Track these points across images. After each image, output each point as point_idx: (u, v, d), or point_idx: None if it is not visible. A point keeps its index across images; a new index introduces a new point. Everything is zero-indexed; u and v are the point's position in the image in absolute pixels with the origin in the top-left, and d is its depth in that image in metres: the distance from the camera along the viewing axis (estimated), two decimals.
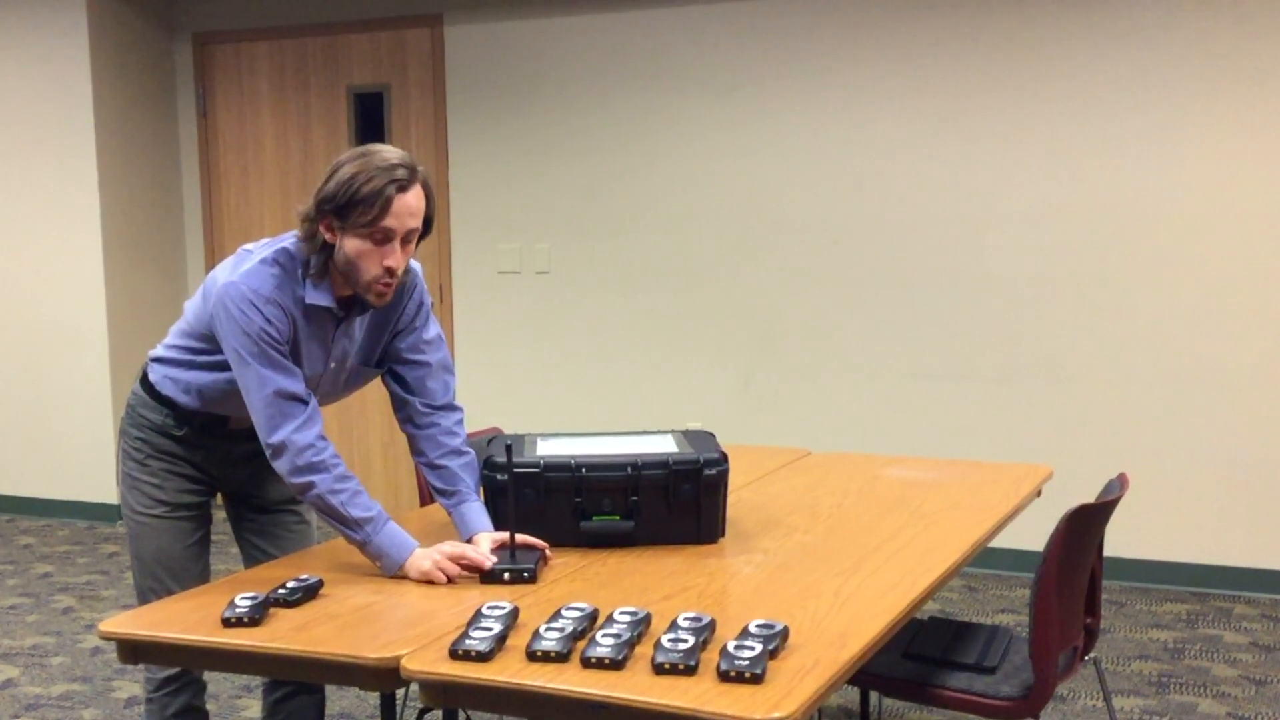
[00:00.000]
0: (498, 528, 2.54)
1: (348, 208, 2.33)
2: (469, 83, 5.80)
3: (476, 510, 2.56)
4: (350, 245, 2.37)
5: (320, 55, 6.10)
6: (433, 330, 2.65)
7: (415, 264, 2.64)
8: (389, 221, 2.34)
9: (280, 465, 2.40)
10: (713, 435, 2.77)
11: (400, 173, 2.34)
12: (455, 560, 2.37)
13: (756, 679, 1.80)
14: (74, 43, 6.00)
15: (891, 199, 5.15)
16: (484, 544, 2.45)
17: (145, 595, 2.66)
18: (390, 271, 2.38)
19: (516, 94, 5.72)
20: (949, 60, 5.01)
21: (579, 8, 5.56)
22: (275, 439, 2.39)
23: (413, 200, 2.36)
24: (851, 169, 5.19)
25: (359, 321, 2.55)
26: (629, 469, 2.56)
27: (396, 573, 2.39)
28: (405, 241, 2.39)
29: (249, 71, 6.26)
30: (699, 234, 5.46)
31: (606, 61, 5.55)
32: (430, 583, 2.35)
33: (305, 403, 2.41)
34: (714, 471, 2.57)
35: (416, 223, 2.39)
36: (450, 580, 2.35)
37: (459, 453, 2.61)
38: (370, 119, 6.02)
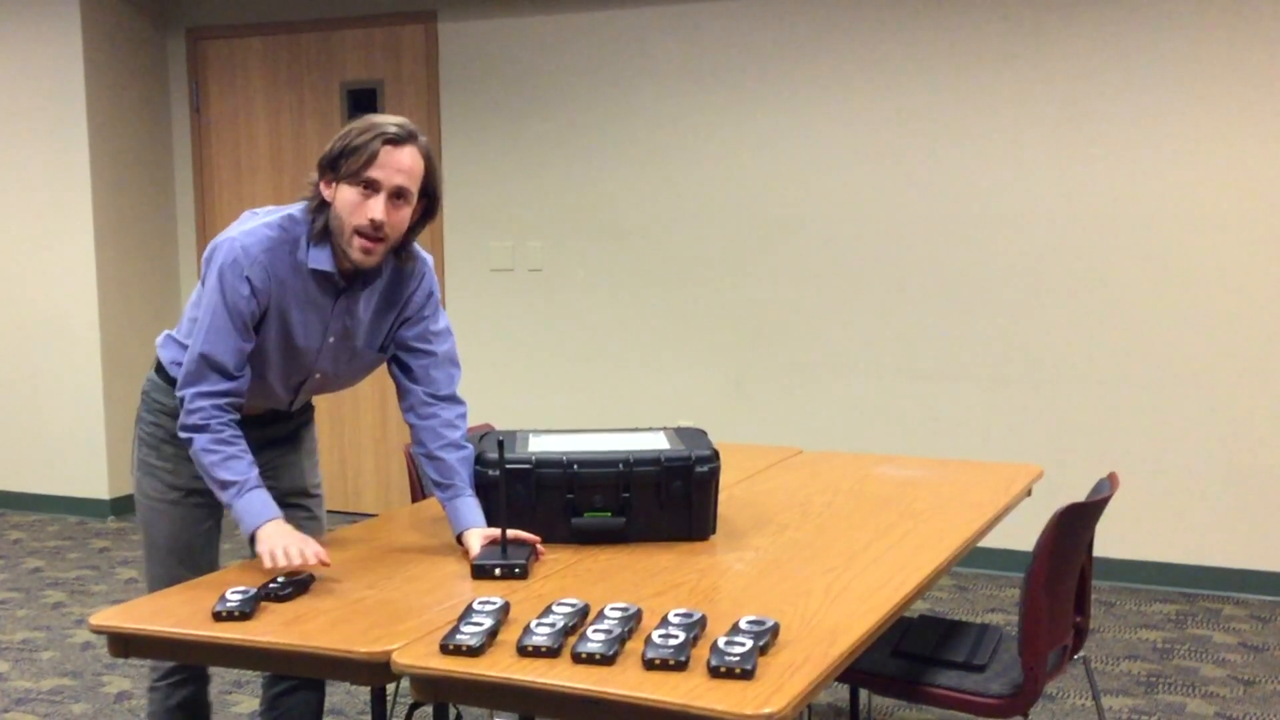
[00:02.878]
0: (490, 523, 2.54)
1: (340, 157, 2.40)
2: (462, 79, 5.80)
3: (470, 506, 2.56)
4: (340, 197, 2.41)
5: (314, 51, 6.09)
6: (441, 322, 2.67)
7: (426, 255, 2.66)
8: (375, 172, 2.38)
9: (179, 418, 2.46)
10: (704, 433, 2.77)
11: (393, 129, 2.41)
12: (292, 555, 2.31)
13: (747, 675, 1.81)
14: (67, 37, 5.99)
15: (884, 200, 5.15)
16: (474, 541, 2.46)
17: (155, 584, 2.66)
18: (375, 225, 2.39)
19: (510, 91, 5.72)
20: (942, 62, 5.02)
21: (572, 5, 5.56)
22: (180, 391, 2.46)
23: (404, 157, 2.40)
24: (844, 170, 5.20)
25: (364, 300, 2.55)
26: (621, 465, 2.56)
27: (249, 537, 2.41)
28: (395, 198, 2.41)
29: (242, 67, 6.25)
30: (692, 232, 5.47)
31: (600, 59, 5.55)
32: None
33: (229, 377, 2.45)
34: (705, 468, 2.57)
35: (406, 181, 2.41)
36: (288, 559, 2.29)
37: (457, 446, 2.61)
38: (364, 115, 6.00)
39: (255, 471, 2.45)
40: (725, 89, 5.36)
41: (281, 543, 2.33)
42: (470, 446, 2.64)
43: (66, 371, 6.19)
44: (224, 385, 2.45)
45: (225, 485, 2.42)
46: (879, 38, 5.10)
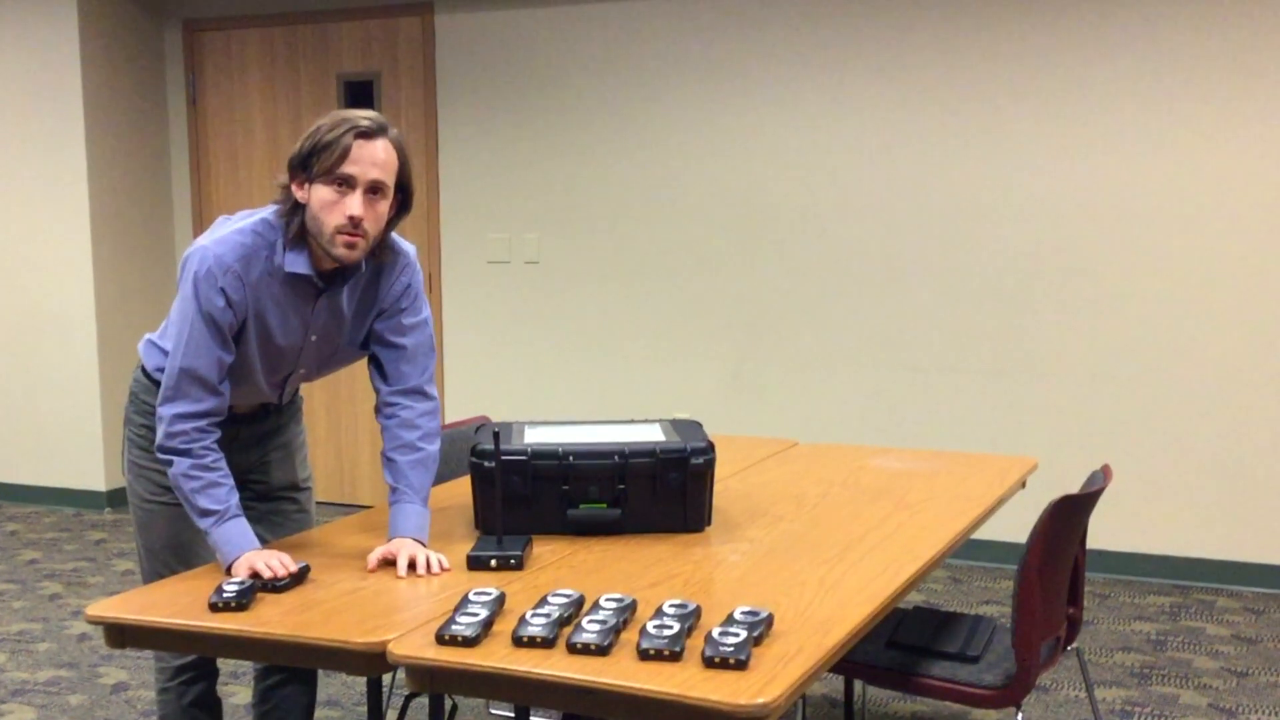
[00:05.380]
0: (485, 515, 2.54)
1: (311, 155, 2.35)
2: (459, 72, 5.80)
3: (406, 513, 2.49)
4: (315, 197, 2.36)
5: (310, 43, 6.09)
6: (420, 314, 2.61)
7: (410, 246, 2.62)
8: (349, 168, 2.33)
9: (157, 435, 2.42)
10: (700, 425, 2.78)
11: (364, 123, 2.36)
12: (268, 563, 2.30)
13: (741, 665, 1.82)
14: (64, 29, 5.98)
15: (880, 192, 5.16)
16: (375, 551, 2.40)
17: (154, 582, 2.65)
18: (354, 221, 2.35)
19: (507, 83, 5.72)
20: (939, 54, 5.02)
21: None
22: (161, 409, 2.40)
23: (377, 151, 2.36)
24: (841, 162, 5.20)
25: (345, 296, 2.52)
26: (616, 457, 2.57)
27: (227, 567, 2.35)
28: (371, 193, 2.37)
29: (239, 59, 6.25)
30: (688, 225, 5.47)
31: (596, 51, 5.55)
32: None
33: (212, 392, 2.40)
34: (701, 460, 2.58)
35: (381, 175, 2.36)
36: (267, 571, 2.27)
37: (411, 448, 2.55)
38: (360, 107, 5.99)
39: (235, 499, 2.40)
40: (721, 82, 5.36)
41: (262, 559, 2.29)
42: (428, 448, 2.57)
43: (63, 363, 6.19)
44: (205, 404, 2.40)
45: (205, 513, 2.37)
46: (875, 32, 5.10)
